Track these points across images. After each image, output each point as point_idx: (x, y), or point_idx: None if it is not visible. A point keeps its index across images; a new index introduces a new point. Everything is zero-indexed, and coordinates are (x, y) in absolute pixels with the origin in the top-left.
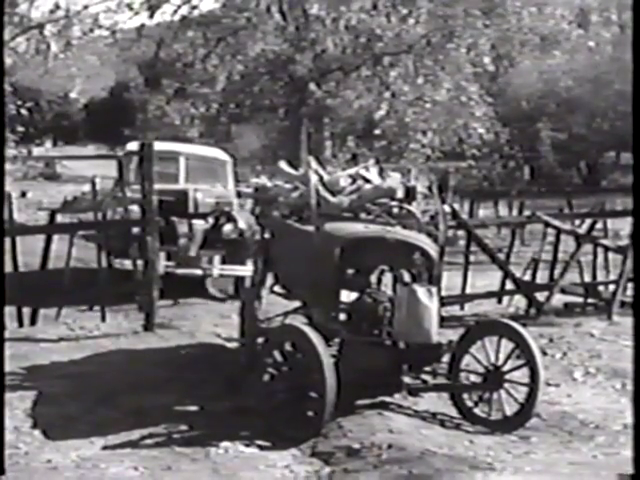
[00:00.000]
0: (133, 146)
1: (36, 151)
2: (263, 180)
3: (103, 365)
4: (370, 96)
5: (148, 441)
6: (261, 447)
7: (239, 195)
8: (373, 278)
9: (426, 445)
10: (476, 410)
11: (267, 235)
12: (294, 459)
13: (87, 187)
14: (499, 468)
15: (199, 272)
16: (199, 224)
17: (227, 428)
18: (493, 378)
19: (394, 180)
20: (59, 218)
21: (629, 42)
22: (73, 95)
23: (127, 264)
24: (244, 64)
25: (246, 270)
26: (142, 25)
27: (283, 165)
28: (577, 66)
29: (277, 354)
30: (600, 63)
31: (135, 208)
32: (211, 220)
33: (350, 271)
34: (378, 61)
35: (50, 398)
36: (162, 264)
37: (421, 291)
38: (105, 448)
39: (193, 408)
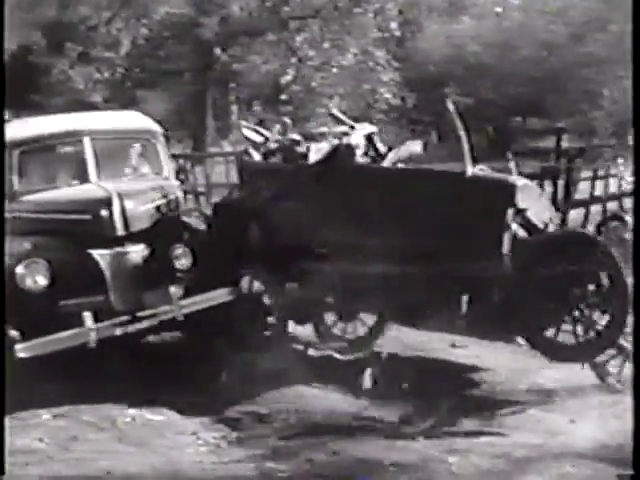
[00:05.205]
0: (14, 131)
1: None
2: None
3: None
4: (276, 61)
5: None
6: (168, 415)
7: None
8: None
9: (333, 409)
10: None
11: None
12: (201, 426)
13: None
14: None
15: (153, 322)
16: (135, 251)
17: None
18: None
19: None
20: None
21: (536, 8)
22: None
23: None
24: (149, 28)
25: (221, 295)
26: None
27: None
28: (484, 31)
29: None
30: (507, 29)
31: None
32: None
33: None
34: (284, 26)
35: None
36: (91, 327)
37: None
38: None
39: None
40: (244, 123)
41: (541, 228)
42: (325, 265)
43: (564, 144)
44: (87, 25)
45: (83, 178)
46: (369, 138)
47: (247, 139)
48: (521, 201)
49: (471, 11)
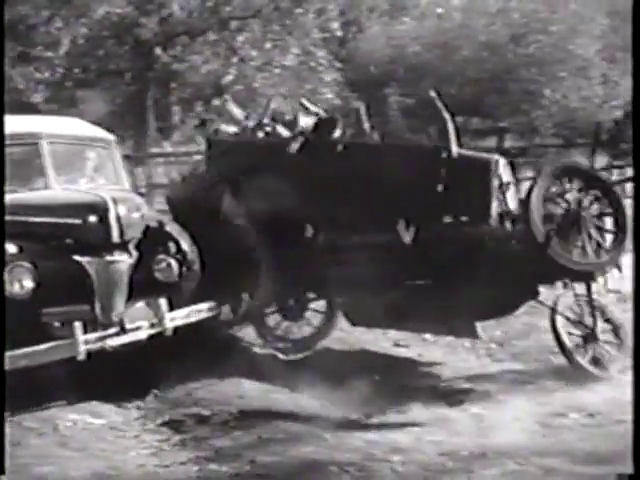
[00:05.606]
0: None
1: None
2: None
3: None
4: (218, 61)
5: None
6: (110, 418)
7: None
8: None
9: (275, 410)
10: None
11: None
12: (143, 429)
13: None
14: None
15: (142, 335)
16: (122, 260)
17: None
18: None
19: None
20: None
21: (477, 9)
22: None
23: None
24: (88, 27)
25: (210, 308)
26: None
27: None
28: (426, 32)
29: None
30: (448, 29)
31: None
32: (134, 251)
33: None
34: (225, 25)
35: None
36: (80, 339)
37: None
38: None
39: None
40: (227, 97)
41: (513, 212)
42: (310, 239)
43: (506, 144)
44: (26, 24)
45: (42, 183)
46: (356, 113)
47: (230, 115)
48: (503, 174)
49: (412, 12)
